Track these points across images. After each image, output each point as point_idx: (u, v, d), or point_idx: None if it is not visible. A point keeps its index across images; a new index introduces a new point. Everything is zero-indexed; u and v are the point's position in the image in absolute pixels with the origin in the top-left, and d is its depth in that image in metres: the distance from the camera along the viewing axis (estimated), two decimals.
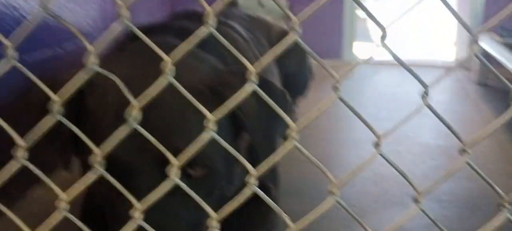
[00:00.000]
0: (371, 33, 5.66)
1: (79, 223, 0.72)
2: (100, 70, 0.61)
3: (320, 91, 2.80)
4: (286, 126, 1.06)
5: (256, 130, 0.99)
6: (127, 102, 0.91)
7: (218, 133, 0.96)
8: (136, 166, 0.89)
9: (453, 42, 4.35)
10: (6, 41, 0.63)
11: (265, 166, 0.61)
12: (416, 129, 2.29)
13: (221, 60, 1.25)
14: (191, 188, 0.87)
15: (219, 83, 0.99)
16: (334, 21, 3.89)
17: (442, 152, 2.07)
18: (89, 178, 0.65)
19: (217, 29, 0.60)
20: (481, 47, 3.15)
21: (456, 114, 2.60)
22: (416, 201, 0.63)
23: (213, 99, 0.95)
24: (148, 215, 0.72)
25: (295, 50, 2.06)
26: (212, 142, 0.92)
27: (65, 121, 0.65)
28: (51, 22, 1.73)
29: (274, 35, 2.01)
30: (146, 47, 1.18)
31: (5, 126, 0.67)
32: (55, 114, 0.60)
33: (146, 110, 0.93)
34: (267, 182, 1.36)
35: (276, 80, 1.82)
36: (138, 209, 0.65)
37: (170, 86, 0.93)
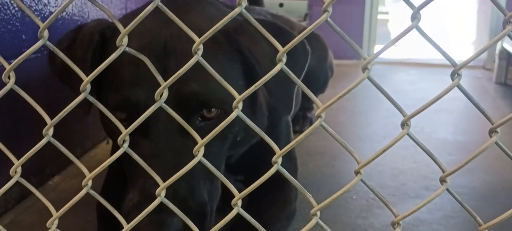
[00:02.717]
0: (391, 36, 5.67)
1: (101, 199, 0.74)
2: (131, 50, 0.63)
3: (337, 88, 2.80)
4: (301, 71, 1.08)
5: (271, 81, 0.99)
6: (146, 47, 0.94)
7: (231, 79, 0.98)
8: (155, 114, 0.88)
9: (471, 42, 4.31)
10: (40, 23, 0.64)
11: (290, 145, 0.62)
12: (434, 124, 2.28)
13: None
14: (206, 129, 0.92)
15: (234, 30, 1.01)
16: (355, 24, 3.99)
17: (460, 147, 2.06)
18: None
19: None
20: (502, 46, 3.13)
21: (475, 111, 2.58)
22: (442, 181, 0.63)
23: (228, 45, 1.00)
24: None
25: (316, 48, 2.10)
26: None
27: (92, 98, 0.67)
28: (78, 20, 1.76)
29: (297, 32, 2.03)
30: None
31: (35, 104, 0.69)
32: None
33: (164, 58, 0.96)
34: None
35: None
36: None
37: (185, 34, 0.96)
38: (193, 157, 0.89)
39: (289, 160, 1.39)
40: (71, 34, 1.08)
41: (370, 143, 2.12)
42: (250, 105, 1.11)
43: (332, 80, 2.33)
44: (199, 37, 0.60)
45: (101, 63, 0.97)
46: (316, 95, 2.30)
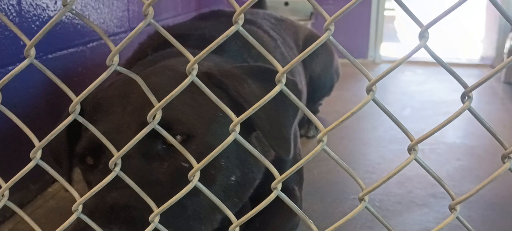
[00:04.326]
0: (398, 34, 5.60)
1: (94, 224, 0.71)
2: (122, 70, 0.60)
3: (343, 89, 2.76)
4: (295, 113, 1.04)
5: (264, 121, 0.96)
6: (113, 98, 0.96)
7: (218, 115, 0.95)
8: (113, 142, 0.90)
9: (480, 40, 4.24)
10: (26, 40, 0.61)
11: (291, 170, 0.58)
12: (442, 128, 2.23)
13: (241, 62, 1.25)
14: (170, 155, 0.89)
15: (218, 73, 0.98)
16: (361, 22, 3.94)
17: (468, 152, 2.01)
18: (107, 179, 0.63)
19: (245, 29, 0.58)
20: (511, 45, 3.08)
21: (484, 113, 2.53)
22: (452, 209, 0.60)
23: (209, 83, 0.95)
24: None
25: (322, 54, 2.08)
26: (194, 112, 0.91)
27: (82, 119, 0.64)
28: (78, 23, 1.73)
29: (302, 38, 2.01)
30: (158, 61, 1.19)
31: (23, 127, 0.65)
32: (76, 113, 0.59)
33: (127, 95, 0.96)
34: (291, 183, 1.34)
35: (301, 80, 1.81)
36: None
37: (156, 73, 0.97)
38: (156, 179, 0.87)
39: (295, 171, 1.36)
40: None
41: (376, 147, 2.08)
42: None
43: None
44: (188, 68, 0.56)
45: (78, 135, 1.00)
46: (322, 99, 2.27)
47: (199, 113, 0.93)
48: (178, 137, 0.89)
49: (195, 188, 0.63)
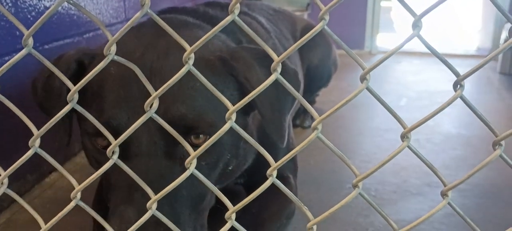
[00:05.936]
0: (394, 25, 5.59)
1: (92, 212, 0.72)
2: (120, 59, 0.60)
3: (339, 79, 2.77)
4: (293, 102, 1.06)
5: (267, 108, 0.98)
6: (127, 73, 0.90)
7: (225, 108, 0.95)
8: (137, 137, 0.87)
9: (477, 31, 4.25)
10: (24, 29, 0.62)
11: (286, 157, 0.59)
12: (437, 118, 2.24)
13: (236, 42, 1.26)
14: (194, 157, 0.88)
15: (230, 56, 0.99)
16: (358, 12, 3.93)
17: (464, 141, 2.03)
18: (105, 167, 0.64)
19: (240, 19, 0.59)
20: (507, 35, 3.09)
21: (480, 104, 2.55)
22: (444, 195, 0.61)
23: (223, 69, 0.97)
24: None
25: (320, 45, 2.09)
26: (216, 109, 0.92)
27: (80, 108, 0.64)
28: (74, 14, 1.73)
29: (299, 29, 2.02)
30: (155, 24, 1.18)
31: (22, 116, 0.66)
32: (74, 104, 0.59)
33: (148, 79, 0.93)
34: (285, 171, 1.35)
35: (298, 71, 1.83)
36: None
37: (174, 55, 0.94)
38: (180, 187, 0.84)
39: (290, 159, 1.38)
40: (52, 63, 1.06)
41: (371, 137, 2.09)
42: (235, 138, 1.04)
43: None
44: (185, 58, 0.57)
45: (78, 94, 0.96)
46: (319, 90, 2.29)
47: (218, 109, 0.92)
48: (202, 136, 0.90)
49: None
